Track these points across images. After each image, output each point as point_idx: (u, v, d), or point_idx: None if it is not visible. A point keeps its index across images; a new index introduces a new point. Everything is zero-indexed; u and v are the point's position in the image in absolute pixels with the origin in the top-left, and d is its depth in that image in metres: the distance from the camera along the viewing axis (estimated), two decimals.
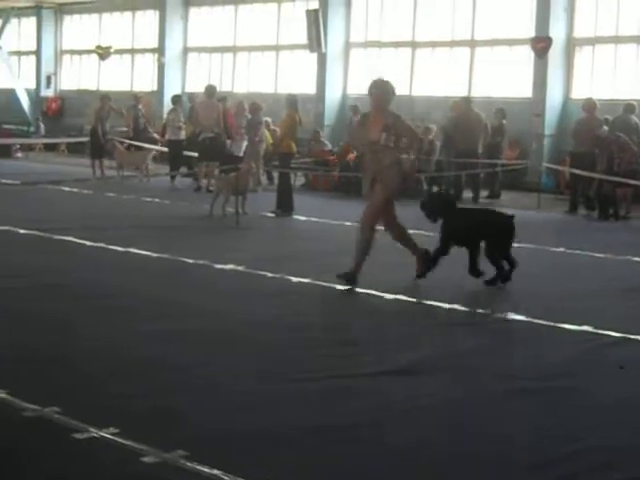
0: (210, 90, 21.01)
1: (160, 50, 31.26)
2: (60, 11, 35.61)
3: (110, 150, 23.34)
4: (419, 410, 6.05)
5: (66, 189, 19.69)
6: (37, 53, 35.69)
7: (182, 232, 14.55)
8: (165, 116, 24.54)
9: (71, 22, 35.73)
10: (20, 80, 36.40)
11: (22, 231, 13.33)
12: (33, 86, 35.82)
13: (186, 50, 31.52)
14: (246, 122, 20.46)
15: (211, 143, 20.23)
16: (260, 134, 20.40)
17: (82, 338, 7.61)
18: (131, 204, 18.00)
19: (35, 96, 35.67)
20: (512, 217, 10.36)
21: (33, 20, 35.99)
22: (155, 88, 31.45)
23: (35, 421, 5.57)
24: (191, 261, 11.28)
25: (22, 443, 5.25)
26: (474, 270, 10.23)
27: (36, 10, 35.46)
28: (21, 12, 36.02)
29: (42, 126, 34.53)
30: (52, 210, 16.58)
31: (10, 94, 36.01)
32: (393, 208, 10.31)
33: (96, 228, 13.82)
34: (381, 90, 10.18)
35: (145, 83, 32.38)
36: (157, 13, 31.68)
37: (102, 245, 12.19)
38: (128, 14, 33.41)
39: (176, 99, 23.37)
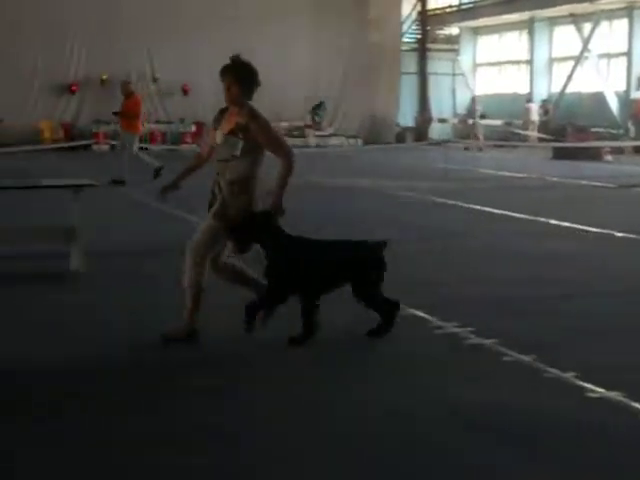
0: None
1: None
2: None
3: None
4: None
5: None
6: (628, 54, 35.18)
7: None
8: None
9: None
10: (609, 83, 36.19)
11: (618, 234, 13.00)
12: (623, 88, 35.39)
13: None
14: None
15: None
16: None
17: None
18: None
19: (625, 98, 35.21)
20: (383, 245, 7.15)
21: (624, 21, 35.55)
22: None
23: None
24: None
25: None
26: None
27: (627, 11, 34.97)
28: (612, 14, 35.75)
29: (632, 128, 34.00)
30: None
31: (599, 97, 36.01)
32: (222, 241, 7.12)
33: None
34: (236, 75, 6.93)
35: None
36: None
37: None
38: None
39: None
